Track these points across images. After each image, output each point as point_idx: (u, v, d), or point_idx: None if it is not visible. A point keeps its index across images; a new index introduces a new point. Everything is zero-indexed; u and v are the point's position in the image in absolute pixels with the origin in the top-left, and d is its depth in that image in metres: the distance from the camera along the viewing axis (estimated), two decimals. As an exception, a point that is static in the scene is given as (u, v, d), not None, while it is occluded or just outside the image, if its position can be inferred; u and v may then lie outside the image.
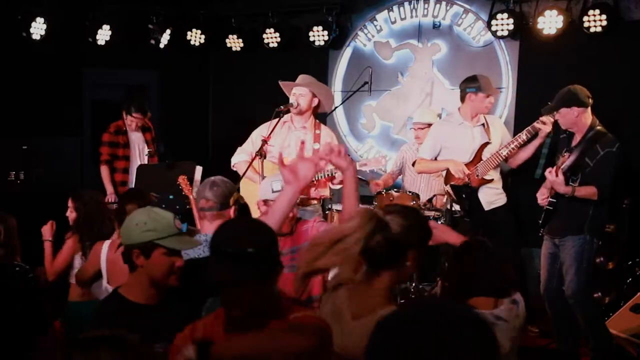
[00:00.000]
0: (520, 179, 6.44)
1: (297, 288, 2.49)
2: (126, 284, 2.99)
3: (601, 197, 4.83)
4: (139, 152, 7.11)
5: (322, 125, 5.80)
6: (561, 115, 4.99)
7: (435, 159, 5.92)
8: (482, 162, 5.69)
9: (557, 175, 4.78)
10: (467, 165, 5.69)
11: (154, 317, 2.86)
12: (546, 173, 4.88)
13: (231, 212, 3.81)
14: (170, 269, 2.88)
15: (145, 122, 7.17)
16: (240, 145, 5.88)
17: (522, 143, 5.57)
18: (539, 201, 5.12)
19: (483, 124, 5.78)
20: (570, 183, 4.80)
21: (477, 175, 5.68)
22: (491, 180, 5.71)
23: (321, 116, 7.87)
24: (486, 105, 5.75)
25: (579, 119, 4.92)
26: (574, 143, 4.99)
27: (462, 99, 5.82)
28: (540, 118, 5.34)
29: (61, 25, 7.27)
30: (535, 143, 5.60)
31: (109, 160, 6.97)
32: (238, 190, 5.61)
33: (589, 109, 4.95)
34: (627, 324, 5.34)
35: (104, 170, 6.89)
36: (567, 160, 4.84)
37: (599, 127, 4.90)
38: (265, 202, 3.94)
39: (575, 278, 4.92)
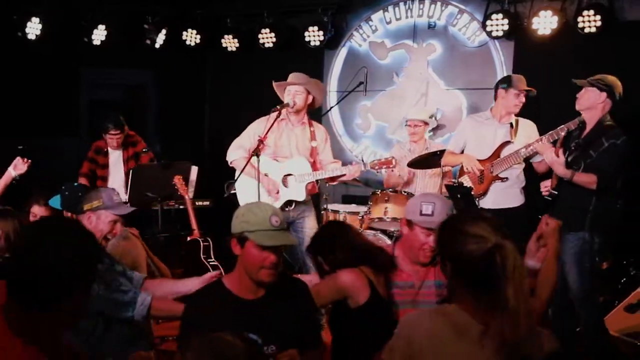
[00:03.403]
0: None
1: None
2: (230, 274, 3.06)
3: (599, 187, 4.71)
4: (118, 172, 7.04)
5: (314, 122, 5.88)
6: (586, 93, 4.86)
7: (463, 152, 5.90)
8: (498, 159, 5.62)
9: (557, 156, 4.68)
10: (483, 161, 5.66)
11: (245, 311, 2.92)
12: (545, 154, 4.75)
13: None
14: (261, 263, 2.87)
15: (128, 138, 7.06)
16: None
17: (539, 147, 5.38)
18: (542, 189, 5.04)
19: (511, 124, 5.67)
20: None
21: (491, 172, 5.63)
22: (505, 179, 5.62)
23: (317, 115, 7.93)
24: (516, 104, 5.61)
25: (599, 107, 4.84)
26: (582, 136, 4.93)
27: (495, 97, 5.75)
28: (543, 139, 5.23)
29: (59, 25, 7.28)
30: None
31: (88, 174, 6.96)
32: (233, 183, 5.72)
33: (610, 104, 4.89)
34: (622, 323, 5.35)
35: (81, 182, 6.88)
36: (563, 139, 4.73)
37: (608, 122, 4.83)
38: (409, 222, 3.52)
39: (578, 279, 4.84)
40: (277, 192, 5.57)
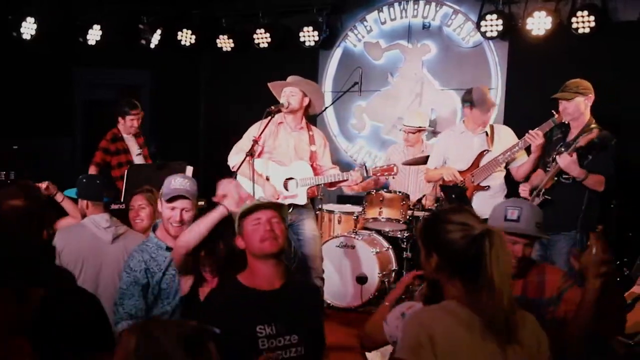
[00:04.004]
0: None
1: None
2: (243, 272, 3.08)
3: (606, 187, 4.78)
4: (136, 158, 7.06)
5: (313, 127, 5.84)
6: (574, 103, 4.92)
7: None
8: (478, 168, 5.60)
9: (571, 155, 4.73)
10: (463, 172, 5.64)
11: (264, 301, 2.94)
12: (560, 157, 4.79)
13: None
14: (259, 235, 2.96)
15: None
16: (232, 144, 5.86)
17: (517, 152, 5.44)
18: (520, 193, 5.08)
19: (486, 132, 5.66)
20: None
21: (473, 182, 5.62)
22: (487, 188, 5.61)
23: (312, 116, 7.93)
24: (484, 120, 5.64)
25: (586, 110, 4.92)
26: (569, 138, 4.98)
27: (463, 112, 5.76)
28: (530, 132, 5.22)
29: (54, 25, 7.28)
30: (533, 157, 5.37)
31: (100, 163, 6.93)
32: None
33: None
34: (615, 323, 5.36)
35: (92, 171, 6.86)
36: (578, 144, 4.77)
37: (594, 125, 4.88)
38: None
39: None
40: (278, 199, 5.50)
